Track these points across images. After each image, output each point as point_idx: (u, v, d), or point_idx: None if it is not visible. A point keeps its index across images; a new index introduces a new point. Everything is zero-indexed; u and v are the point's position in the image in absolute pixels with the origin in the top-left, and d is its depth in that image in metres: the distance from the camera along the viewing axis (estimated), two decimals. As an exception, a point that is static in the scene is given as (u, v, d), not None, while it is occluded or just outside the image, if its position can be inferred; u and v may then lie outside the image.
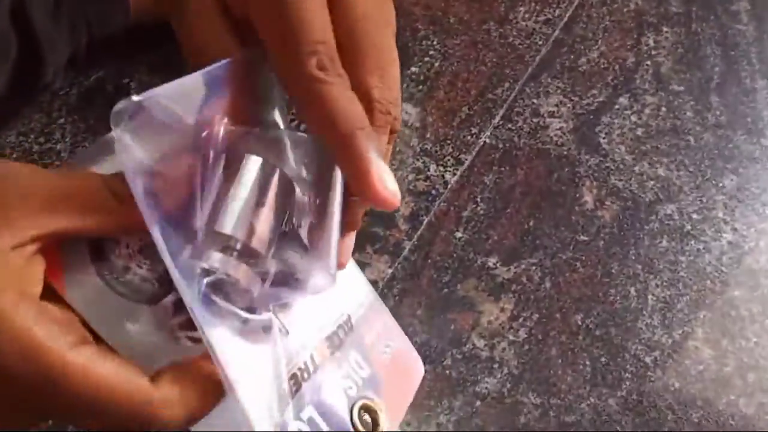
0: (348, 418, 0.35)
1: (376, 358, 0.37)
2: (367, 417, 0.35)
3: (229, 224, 0.30)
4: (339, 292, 0.35)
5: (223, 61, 0.32)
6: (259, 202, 0.30)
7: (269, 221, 0.31)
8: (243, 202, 0.30)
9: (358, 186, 0.30)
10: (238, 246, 0.30)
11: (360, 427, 0.35)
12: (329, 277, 0.32)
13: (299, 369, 0.34)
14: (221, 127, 0.32)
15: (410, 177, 0.60)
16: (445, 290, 0.54)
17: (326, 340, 0.35)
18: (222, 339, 0.29)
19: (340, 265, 0.32)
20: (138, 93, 0.64)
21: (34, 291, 0.29)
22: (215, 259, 0.29)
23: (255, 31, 0.32)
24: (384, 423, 0.35)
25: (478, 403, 0.49)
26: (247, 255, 0.30)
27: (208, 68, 0.31)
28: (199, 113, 0.31)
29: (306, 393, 0.34)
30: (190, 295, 0.28)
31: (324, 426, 0.34)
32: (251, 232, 0.30)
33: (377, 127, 0.31)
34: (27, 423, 0.31)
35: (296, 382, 0.34)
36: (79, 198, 0.30)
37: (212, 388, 0.30)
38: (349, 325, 0.37)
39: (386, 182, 0.30)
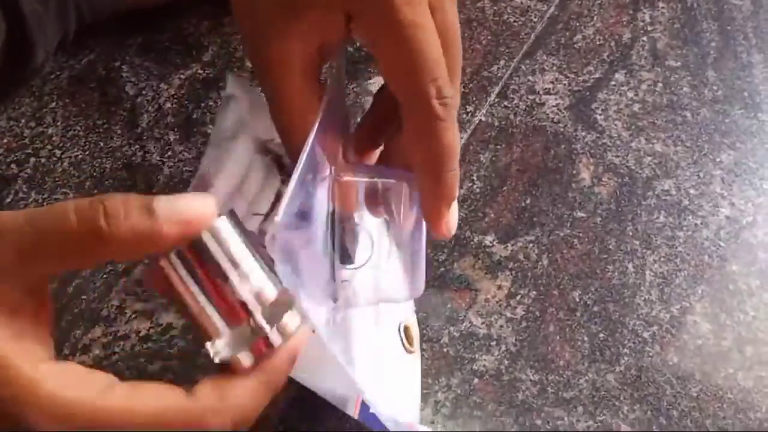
0: (401, 343, 0.44)
1: None
2: (407, 333, 0.45)
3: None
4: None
5: (311, 137, 0.33)
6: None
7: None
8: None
9: (428, 218, 0.36)
10: None
11: (408, 346, 0.44)
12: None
13: None
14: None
15: (405, 156, 0.59)
16: (442, 269, 0.54)
17: None
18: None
19: (449, 232, 0.37)
20: (129, 77, 0.64)
21: (47, 348, 0.29)
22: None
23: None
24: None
25: (476, 380, 0.48)
26: None
27: (305, 157, 0.33)
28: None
29: None
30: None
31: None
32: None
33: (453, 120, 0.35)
34: None
35: None
36: (48, 237, 0.28)
37: (261, 388, 0.31)
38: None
39: (451, 226, 0.37)
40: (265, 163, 0.41)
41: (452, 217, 0.37)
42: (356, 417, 0.40)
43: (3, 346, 0.28)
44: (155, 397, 0.29)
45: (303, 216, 0.34)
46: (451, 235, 0.37)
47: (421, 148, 0.35)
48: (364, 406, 0.40)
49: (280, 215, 0.30)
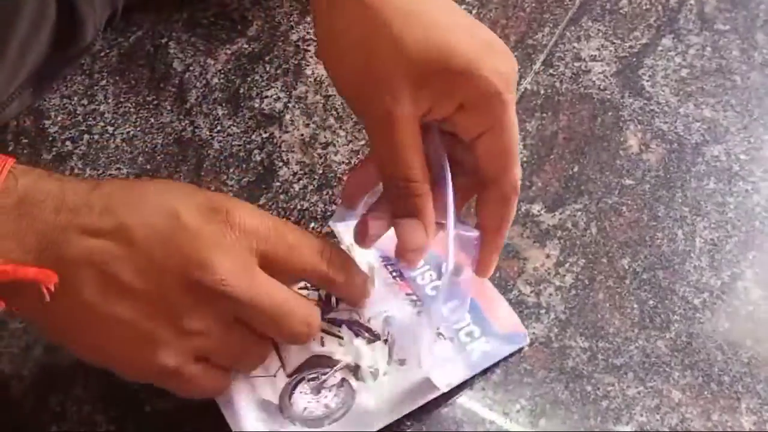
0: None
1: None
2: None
3: None
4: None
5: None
6: None
7: None
8: None
9: (484, 263, 0.47)
10: None
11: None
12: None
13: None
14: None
15: (451, 126, 0.60)
16: (490, 238, 0.54)
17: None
18: None
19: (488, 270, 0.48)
20: (176, 53, 0.64)
21: None
22: None
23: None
24: None
25: (526, 348, 0.49)
26: None
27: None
28: None
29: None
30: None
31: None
32: None
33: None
34: None
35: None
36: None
37: None
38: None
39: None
40: None
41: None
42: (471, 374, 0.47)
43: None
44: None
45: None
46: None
47: (500, 213, 0.45)
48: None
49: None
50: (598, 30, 0.66)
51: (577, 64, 0.64)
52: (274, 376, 0.44)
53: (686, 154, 0.59)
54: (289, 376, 0.44)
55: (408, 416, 0.45)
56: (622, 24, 0.66)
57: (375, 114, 0.42)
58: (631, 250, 0.53)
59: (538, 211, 0.55)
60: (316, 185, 0.56)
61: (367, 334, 0.46)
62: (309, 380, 0.44)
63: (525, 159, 0.58)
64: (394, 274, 0.49)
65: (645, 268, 0.53)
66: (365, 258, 0.48)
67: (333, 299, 0.47)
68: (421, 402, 0.45)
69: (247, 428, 0.42)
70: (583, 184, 0.57)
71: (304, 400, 0.44)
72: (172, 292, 0.37)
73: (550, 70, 0.63)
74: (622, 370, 0.48)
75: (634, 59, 0.64)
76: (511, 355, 0.48)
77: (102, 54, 0.63)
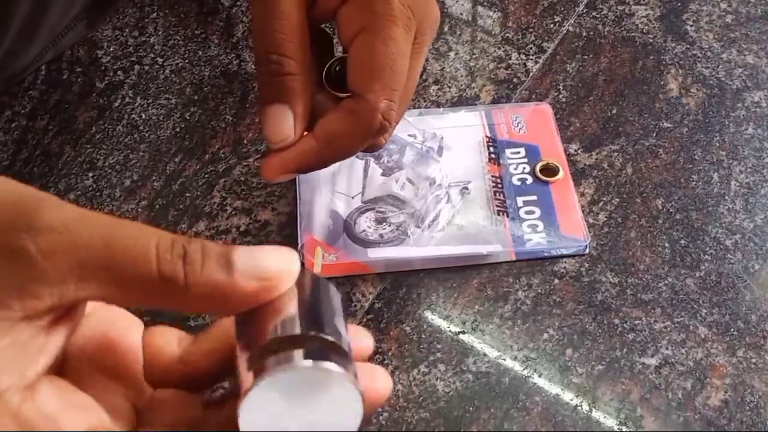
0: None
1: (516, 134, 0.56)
2: (547, 171, 0.54)
3: None
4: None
5: None
6: None
7: None
8: None
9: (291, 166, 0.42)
10: None
11: (543, 177, 0.54)
12: None
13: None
14: None
15: (491, 65, 0.60)
16: (526, 175, 0.55)
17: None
18: None
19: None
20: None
21: (36, 369, 0.26)
22: None
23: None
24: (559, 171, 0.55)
25: (556, 281, 0.50)
26: None
27: None
28: None
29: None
30: None
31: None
32: None
33: None
34: None
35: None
36: (120, 265, 0.25)
37: None
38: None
39: None
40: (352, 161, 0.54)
41: None
42: (514, 258, 0.51)
43: None
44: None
45: None
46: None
47: (349, 124, 0.42)
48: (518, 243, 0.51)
49: None
50: (644, -26, 0.66)
51: (620, 7, 0.64)
52: (353, 198, 0.52)
53: (726, 99, 0.59)
54: (364, 202, 0.52)
55: (433, 350, 0.47)
56: (668, -32, 0.66)
57: None
58: (666, 191, 0.54)
59: (575, 151, 0.56)
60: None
61: (440, 195, 0.52)
62: (377, 212, 0.52)
63: (564, 99, 0.58)
64: (492, 156, 0.55)
65: (678, 209, 0.53)
66: (474, 133, 0.56)
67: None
68: (463, 263, 0.51)
69: (314, 224, 0.51)
70: (621, 126, 0.57)
71: (365, 224, 0.51)
72: None
73: (594, 13, 0.63)
74: (650, 305, 0.49)
75: (679, 4, 0.64)
76: (567, 258, 0.51)
77: (153, -12, 0.65)
